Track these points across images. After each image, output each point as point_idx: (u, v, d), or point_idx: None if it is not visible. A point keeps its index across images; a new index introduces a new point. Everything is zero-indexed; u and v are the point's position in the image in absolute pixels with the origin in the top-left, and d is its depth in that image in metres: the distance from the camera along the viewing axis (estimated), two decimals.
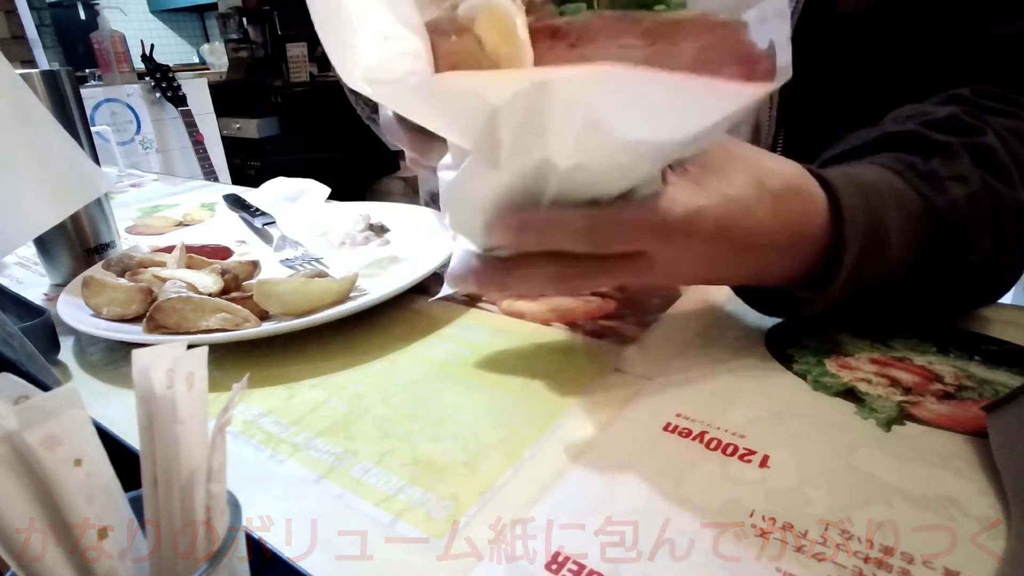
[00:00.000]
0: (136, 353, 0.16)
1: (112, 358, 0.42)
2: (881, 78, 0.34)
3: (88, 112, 0.99)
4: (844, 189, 0.33)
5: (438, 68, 0.23)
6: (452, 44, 0.23)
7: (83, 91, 1.24)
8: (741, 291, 0.39)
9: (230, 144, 3.08)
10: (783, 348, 0.37)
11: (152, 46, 2.52)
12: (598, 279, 0.33)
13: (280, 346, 0.41)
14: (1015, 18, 0.39)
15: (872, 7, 0.42)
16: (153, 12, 4.80)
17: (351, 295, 0.44)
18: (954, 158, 0.35)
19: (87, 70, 2.45)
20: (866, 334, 0.37)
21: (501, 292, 0.37)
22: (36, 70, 0.50)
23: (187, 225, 0.74)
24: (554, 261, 0.30)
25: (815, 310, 0.35)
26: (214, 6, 4.46)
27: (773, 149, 0.48)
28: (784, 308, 0.37)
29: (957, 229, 0.34)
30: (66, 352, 0.43)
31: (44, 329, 0.41)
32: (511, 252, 0.31)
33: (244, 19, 4.32)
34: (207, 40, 4.85)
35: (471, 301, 0.47)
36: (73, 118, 0.53)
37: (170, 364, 0.16)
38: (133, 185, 1.01)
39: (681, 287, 0.41)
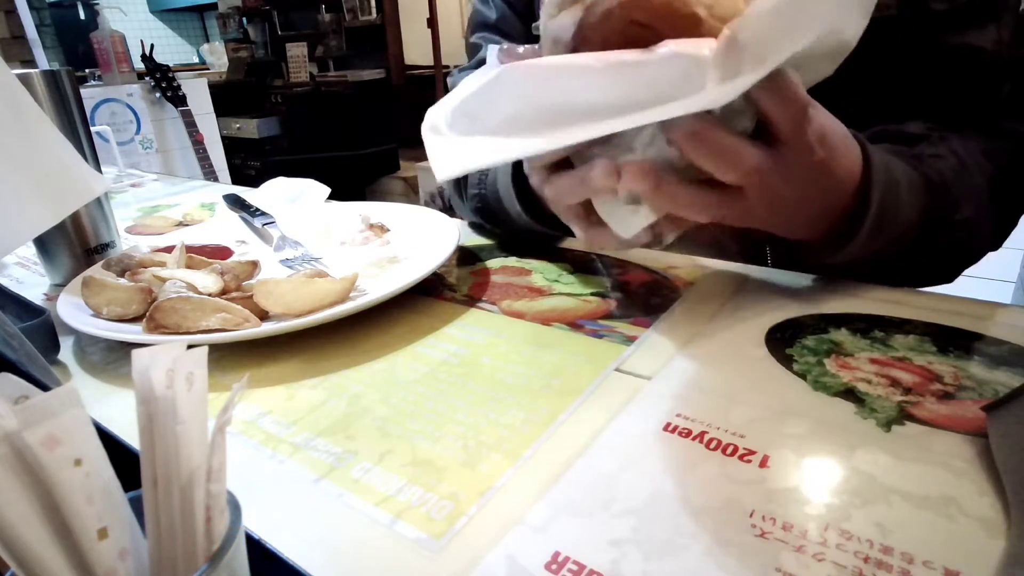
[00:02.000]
0: (136, 353, 0.16)
1: (112, 358, 0.42)
2: (852, 94, 0.38)
3: (88, 112, 0.99)
4: (871, 150, 0.37)
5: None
6: None
7: (83, 91, 1.24)
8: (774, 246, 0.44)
9: (230, 144, 3.09)
10: (783, 348, 0.37)
11: (152, 46, 2.52)
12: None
13: (280, 346, 0.41)
14: (964, 29, 0.44)
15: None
16: (153, 12, 4.81)
17: (351, 295, 0.44)
18: (933, 144, 0.43)
19: (87, 70, 2.45)
20: (866, 333, 0.37)
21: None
22: (36, 70, 0.50)
23: (187, 225, 0.74)
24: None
25: (834, 263, 0.40)
26: (214, 6, 4.46)
27: None
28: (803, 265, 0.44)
29: (946, 192, 0.41)
30: (66, 352, 0.43)
31: (44, 329, 0.41)
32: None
33: (244, 19, 4.33)
34: (207, 40, 4.85)
35: (471, 301, 0.47)
36: (73, 118, 0.53)
37: (170, 364, 0.16)
38: (133, 185, 1.01)
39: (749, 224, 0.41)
